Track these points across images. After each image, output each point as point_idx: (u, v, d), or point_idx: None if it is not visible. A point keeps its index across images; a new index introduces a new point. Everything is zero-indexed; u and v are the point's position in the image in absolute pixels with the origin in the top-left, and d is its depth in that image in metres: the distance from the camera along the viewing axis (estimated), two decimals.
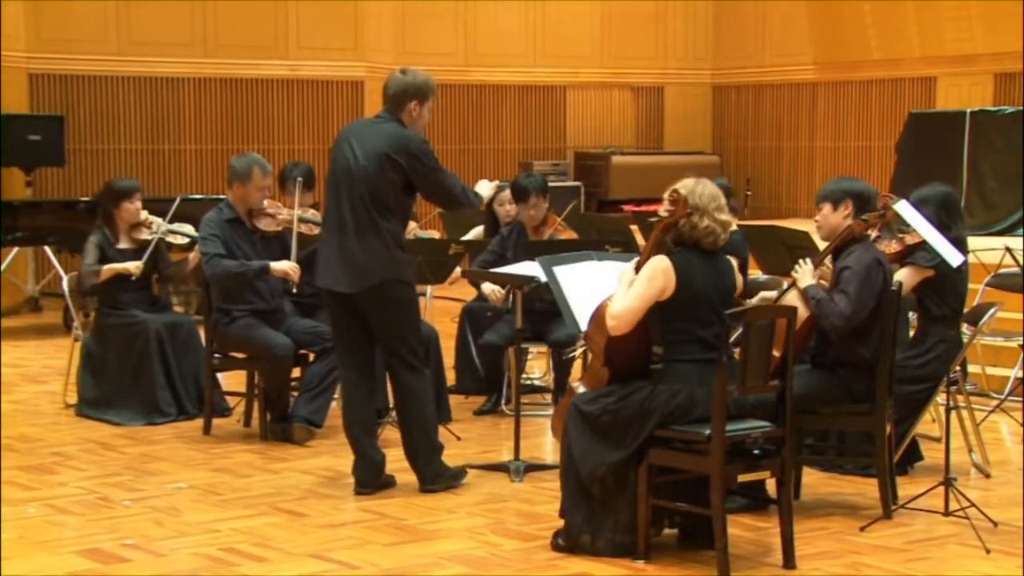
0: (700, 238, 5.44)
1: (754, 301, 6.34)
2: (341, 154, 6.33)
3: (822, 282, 6.12)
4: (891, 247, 6.62)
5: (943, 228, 6.53)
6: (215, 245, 7.51)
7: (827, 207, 6.21)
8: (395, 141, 6.23)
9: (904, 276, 6.55)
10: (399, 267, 6.31)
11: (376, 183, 6.21)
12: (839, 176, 7.07)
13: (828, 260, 6.19)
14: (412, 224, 8.53)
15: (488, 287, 8.28)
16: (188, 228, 8.45)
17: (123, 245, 8.36)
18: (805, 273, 6.11)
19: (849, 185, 6.26)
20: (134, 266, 8.23)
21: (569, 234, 8.40)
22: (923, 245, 6.50)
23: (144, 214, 8.41)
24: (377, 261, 6.22)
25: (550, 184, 8.61)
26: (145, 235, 8.36)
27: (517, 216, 8.47)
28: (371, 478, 6.47)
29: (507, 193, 8.72)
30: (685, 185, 5.47)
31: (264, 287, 7.66)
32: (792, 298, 6.06)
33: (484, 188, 6.81)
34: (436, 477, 6.49)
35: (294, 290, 7.76)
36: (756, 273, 8.44)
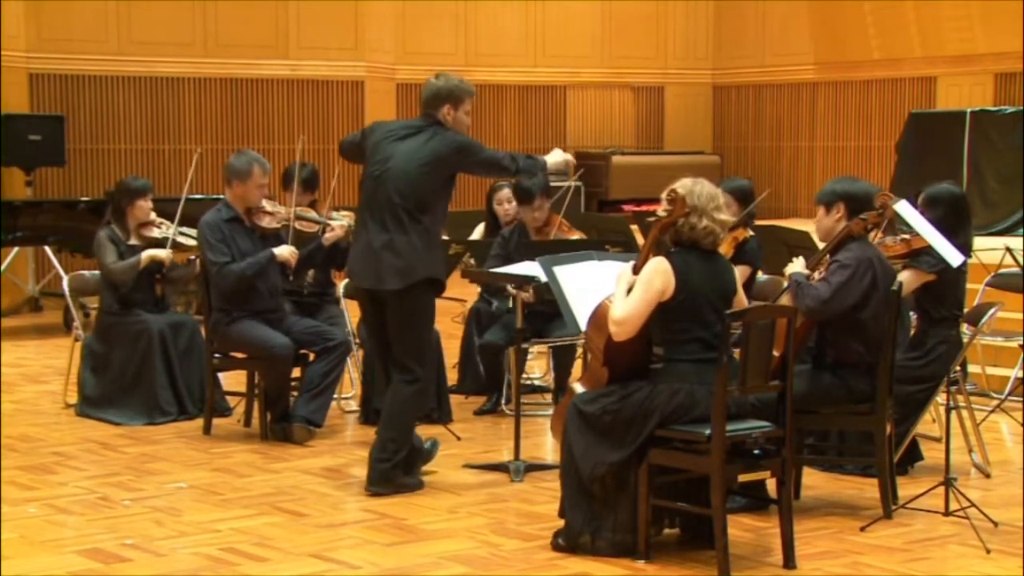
0: (699, 238, 5.44)
1: None
2: (379, 154, 6.41)
3: (816, 276, 6.11)
4: (895, 247, 6.60)
5: (951, 231, 6.49)
6: (222, 253, 7.51)
7: (820, 210, 6.20)
8: (436, 141, 6.37)
9: (905, 278, 6.53)
10: (437, 265, 6.44)
11: (417, 182, 6.32)
12: (839, 176, 6.99)
13: (827, 260, 6.18)
14: None
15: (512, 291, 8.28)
16: (195, 233, 8.45)
17: (133, 242, 8.41)
18: (796, 264, 6.12)
19: (843, 187, 6.20)
20: (165, 253, 8.26)
21: (576, 234, 8.36)
22: (928, 250, 6.47)
23: (153, 214, 8.46)
24: (418, 259, 6.31)
25: (551, 184, 8.61)
26: (154, 233, 8.41)
27: (517, 215, 8.45)
28: (409, 466, 6.54)
29: (506, 192, 8.72)
30: (683, 185, 5.47)
31: (264, 287, 7.66)
32: (789, 297, 6.05)
33: (557, 155, 6.70)
34: (384, 480, 6.45)
35: (291, 277, 7.78)
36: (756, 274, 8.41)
